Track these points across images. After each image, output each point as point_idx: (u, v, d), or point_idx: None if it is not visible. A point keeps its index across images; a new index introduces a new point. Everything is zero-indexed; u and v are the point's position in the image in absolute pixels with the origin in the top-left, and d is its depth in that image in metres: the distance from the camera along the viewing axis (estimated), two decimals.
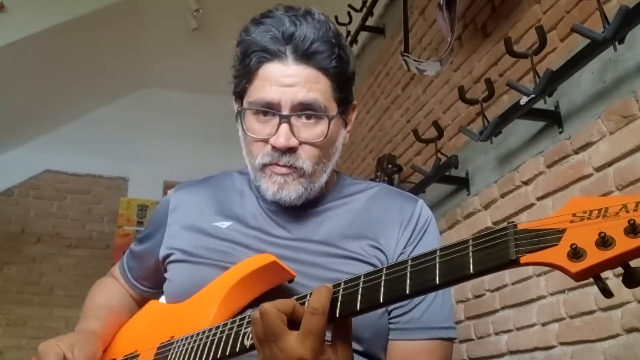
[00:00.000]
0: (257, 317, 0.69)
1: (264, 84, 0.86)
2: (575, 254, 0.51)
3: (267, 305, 0.68)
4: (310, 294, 0.69)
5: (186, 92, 4.83)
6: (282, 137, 0.85)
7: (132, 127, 4.82)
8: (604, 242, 0.49)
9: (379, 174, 2.94)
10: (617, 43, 1.50)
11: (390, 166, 2.92)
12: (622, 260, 0.49)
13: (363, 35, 3.62)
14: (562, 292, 1.72)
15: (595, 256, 0.50)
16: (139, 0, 3.89)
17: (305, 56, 0.85)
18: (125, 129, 4.80)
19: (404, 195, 1.00)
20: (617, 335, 1.50)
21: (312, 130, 0.87)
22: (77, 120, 4.82)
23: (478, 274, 0.58)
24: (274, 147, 0.86)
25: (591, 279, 0.52)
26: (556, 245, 0.52)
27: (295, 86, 0.85)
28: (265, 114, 0.87)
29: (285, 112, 0.85)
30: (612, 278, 1.36)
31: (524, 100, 1.79)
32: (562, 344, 1.70)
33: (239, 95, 0.92)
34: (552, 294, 1.76)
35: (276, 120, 0.86)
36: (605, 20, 1.50)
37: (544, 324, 1.79)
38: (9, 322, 4.21)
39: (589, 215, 0.52)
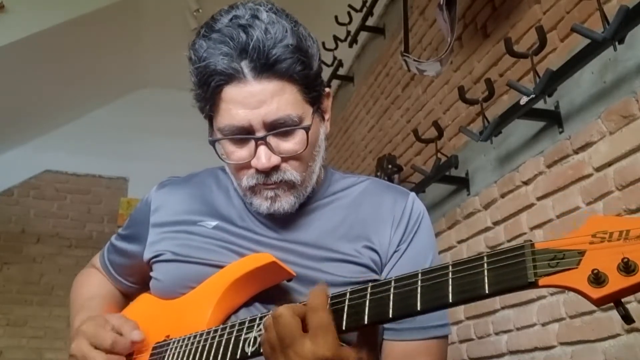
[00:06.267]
0: (270, 322, 0.66)
1: (229, 108, 0.80)
2: (597, 279, 0.49)
3: (281, 308, 0.66)
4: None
5: (186, 92, 4.78)
6: (263, 159, 0.81)
7: (132, 127, 4.81)
8: (627, 267, 0.48)
9: (379, 174, 2.94)
10: (617, 43, 1.50)
11: (390, 166, 2.92)
12: None
13: (363, 35, 3.61)
14: (562, 292, 1.72)
15: (617, 282, 0.48)
16: (139, 1, 3.88)
17: (264, 69, 0.78)
18: (125, 129, 4.80)
19: (395, 189, 0.97)
20: (617, 335, 1.50)
21: (291, 144, 0.83)
22: (77, 120, 4.82)
23: (493, 294, 0.56)
24: (257, 170, 0.83)
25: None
26: (576, 268, 0.51)
27: (261, 106, 0.79)
28: (239, 138, 0.83)
29: (259, 133, 0.81)
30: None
31: (524, 100, 1.79)
32: (562, 344, 1.70)
33: (208, 117, 0.87)
34: (552, 294, 1.76)
35: (252, 143, 0.82)
36: (605, 20, 1.50)
37: (544, 324, 1.79)
38: (9, 322, 4.21)
39: (610, 237, 0.50)
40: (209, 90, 0.81)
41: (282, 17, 0.82)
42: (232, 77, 0.79)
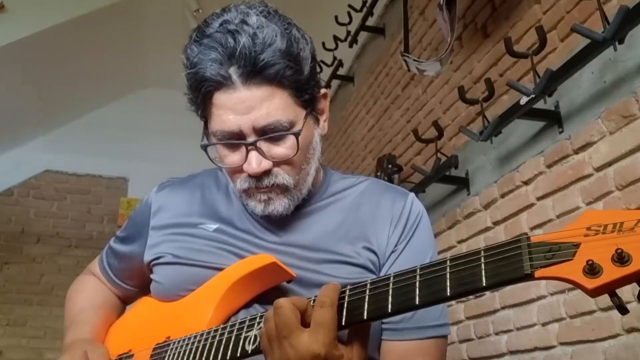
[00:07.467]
0: (271, 314, 0.68)
1: (220, 114, 0.81)
2: (592, 269, 0.50)
3: (282, 300, 0.68)
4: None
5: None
6: (254, 164, 0.81)
7: (132, 127, 4.81)
8: (621, 258, 0.48)
9: (379, 174, 2.94)
10: (617, 43, 1.50)
11: (390, 166, 2.92)
12: (638, 277, 0.49)
13: (363, 35, 3.61)
14: (562, 292, 1.72)
15: (612, 272, 0.49)
16: (139, 1, 3.89)
17: (252, 75, 0.78)
18: (125, 129, 4.79)
19: (394, 189, 0.97)
20: (617, 335, 1.50)
21: (283, 148, 0.83)
22: (77, 120, 4.82)
23: (490, 287, 0.57)
24: (249, 174, 0.83)
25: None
26: (571, 260, 0.52)
27: (251, 112, 0.79)
28: (231, 144, 0.83)
29: (250, 139, 0.81)
30: None
31: (524, 100, 1.79)
32: (562, 344, 1.70)
33: (203, 120, 0.88)
34: (552, 294, 1.76)
35: (244, 148, 0.82)
36: (605, 20, 1.50)
37: (544, 324, 1.79)
38: (9, 322, 4.21)
39: (604, 230, 0.51)
40: (200, 95, 0.82)
41: (274, 19, 0.81)
42: (221, 83, 0.80)
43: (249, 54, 0.77)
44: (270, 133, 0.81)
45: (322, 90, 0.91)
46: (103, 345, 0.96)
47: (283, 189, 0.85)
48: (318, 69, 0.90)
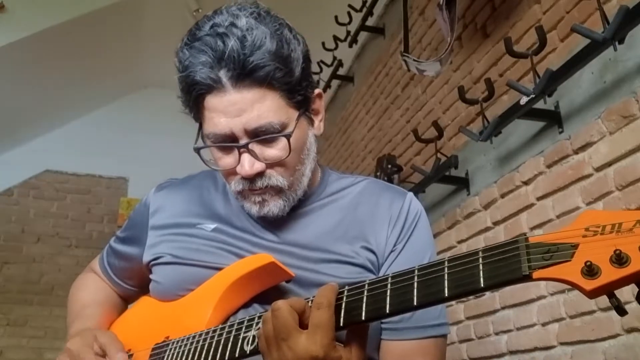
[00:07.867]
0: (269, 315, 0.68)
1: (212, 117, 0.81)
2: (590, 271, 0.50)
3: (280, 302, 0.67)
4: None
5: None
6: (246, 166, 0.81)
7: (132, 127, 4.81)
8: (619, 259, 0.48)
9: (378, 174, 2.94)
10: (617, 43, 1.50)
11: (390, 166, 2.91)
12: (637, 278, 0.49)
13: (363, 35, 3.61)
14: (562, 292, 1.72)
15: (610, 274, 0.49)
16: (139, 1, 3.89)
17: (242, 77, 0.78)
18: (125, 129, 4.80)
19: (393, 189, 0.97)
20: (617, 335, 1.50)
21: (275, 150, 0.83)
22: (77, 120, 4.82)
23: (488, 287, 0.56)
24: (242, 176, 0.84)
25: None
26: (569, 261, 0.51)
27: (242, 114, 0.79)
28: (223, 146, 0.84)
29: (242, 141, 0.81)
30: None
31: (524, 100, 1.79)
32: (562, 344, 1.70)
33: (198, 122, 0.88)
34: (552, 294, 1.76)
35: (236, 150, 0.82)
36: (605, 20, 1.50)
37: (544, 324, 1.79)
38: (9, 322, 4.21)
39: (602, 231, 0.51)
40: (191, 98, 0.83)
41: (264, 21, 0.81)
42: (211, 86, 0.80)
43: (237, 56, 0.77)
44: (262, 135, 0.81)
45: (317, 91, 0.90)
46: (111, 332, 0.96)
47: (277, 191, 0.85)
48: (316, 69, 0.90)
